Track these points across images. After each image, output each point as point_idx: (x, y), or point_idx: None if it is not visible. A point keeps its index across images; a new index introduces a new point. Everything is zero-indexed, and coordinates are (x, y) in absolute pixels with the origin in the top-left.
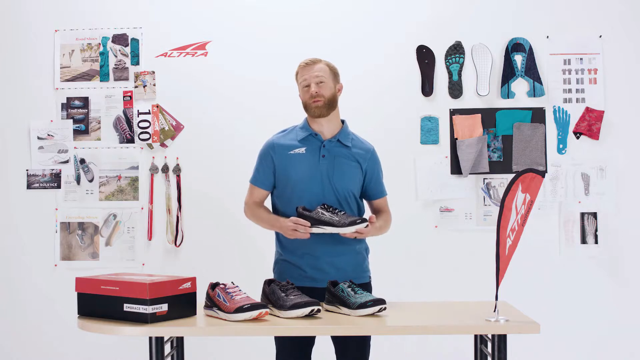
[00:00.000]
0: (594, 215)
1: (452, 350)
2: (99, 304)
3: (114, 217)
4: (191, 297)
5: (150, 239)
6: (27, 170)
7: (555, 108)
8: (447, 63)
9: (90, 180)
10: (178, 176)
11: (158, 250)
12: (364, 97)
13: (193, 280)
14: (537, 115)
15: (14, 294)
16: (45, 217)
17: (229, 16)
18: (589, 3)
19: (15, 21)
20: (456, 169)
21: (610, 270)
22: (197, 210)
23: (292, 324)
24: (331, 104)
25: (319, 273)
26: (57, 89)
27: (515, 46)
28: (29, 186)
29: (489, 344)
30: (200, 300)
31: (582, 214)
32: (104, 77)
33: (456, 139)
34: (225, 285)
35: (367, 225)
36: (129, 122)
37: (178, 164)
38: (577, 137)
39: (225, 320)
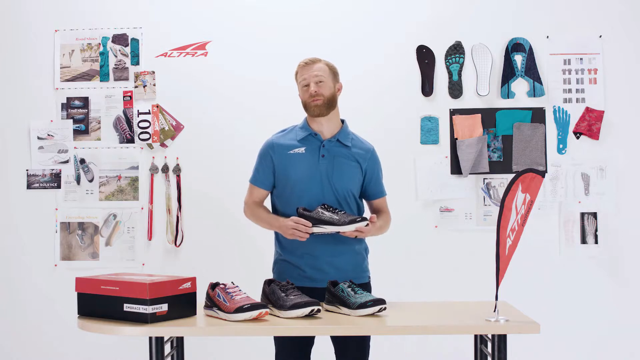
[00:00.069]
0: (594, 215)
1: (452, 350)
2: (99, 304)
3: (114, 217)
4: (191, 297)
5: (150, 239)
6: (27, 170)
7: (555, 108)
8: (447, 63)
9: (90, 180)
10: (178, 176)
11: (158, 250)
12: (364, 97)
13: (193, 280)
14: (537, 115)
15: (14, 294)
16: (45, 217)
17: (229, 16)
18: (589, 3)
19: (15, 21)
20: (456, 169)
21: (610, 270)
22: (197, 210)
23: (292, 324)
24: (330, 104)
25: (319, 273)
26: (57, 89)
27: (515, 46)
28: (29, 186)
29: (489, 344)
30: (200, 300)
31: (582, 214)
32: (104, 77)
33: (456, 139)
34: (225, 285)
35: (368, 224)
36: (129, 122)
37: (178, 164)
38: (577, 137)
39: (225, 320)
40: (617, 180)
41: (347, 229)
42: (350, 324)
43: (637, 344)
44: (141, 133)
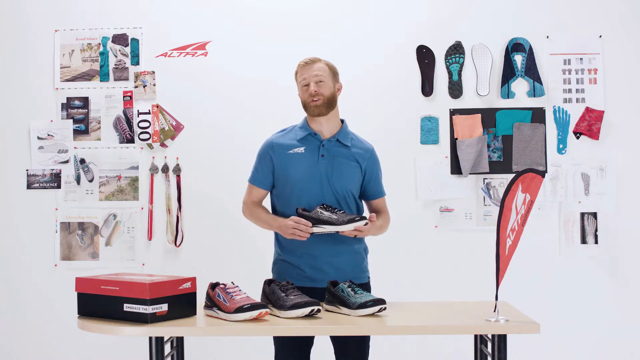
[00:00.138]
0: (594, 215)
1: (452, 350)
2: (99, 304)
3: (114, 217)
4: (191, 297)
5: (150, 239)
6: (27, 170)
7: (555, 108)
8: (447, 63)
9: (90, 180)
10: (178, 176)
11: (158, 250)
12: (364, 97)
13: (193, 280)
14: (537, 115)
15: (14, 294)
16: (45, 217)
17: (229, 16)
18: (589, 3)
19: (15, 21)
20: (456, 169)
21: (610, 270)
22: (197, 210)
23: (292, 324)
24: (330, 103)
25: (318, 273)
26: (57, 89)
27: (515, 46)
28: (29, 186)
29: (489, 344)
30: (200, 300)
31: (582, 214)
32: (104, 77)
33: (456, 139)
34: (225, 285)
35: (367, 224)
36: (129, 122)
37: (178, 164)
38: (577, 137)
39: (225, 320)
40: (617, 180)
41: (346, 229)
42: (350, 324)
43: (637, 344)
44: (141, 133)
